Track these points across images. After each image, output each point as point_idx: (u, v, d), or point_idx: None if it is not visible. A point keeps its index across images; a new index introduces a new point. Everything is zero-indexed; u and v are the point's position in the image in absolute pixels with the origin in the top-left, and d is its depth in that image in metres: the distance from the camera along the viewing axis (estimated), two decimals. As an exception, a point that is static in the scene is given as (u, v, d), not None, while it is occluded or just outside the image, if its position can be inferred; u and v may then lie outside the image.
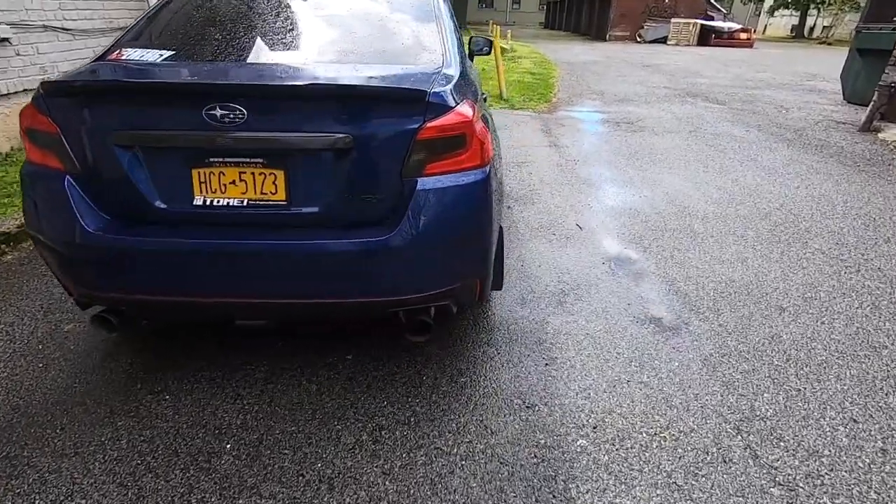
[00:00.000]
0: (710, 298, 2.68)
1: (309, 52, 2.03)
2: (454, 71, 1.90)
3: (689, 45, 21.77)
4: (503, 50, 13.04)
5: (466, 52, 4.00)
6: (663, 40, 22.80)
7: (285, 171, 1.61)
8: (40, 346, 2.22)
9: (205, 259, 1.65)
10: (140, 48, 1.95)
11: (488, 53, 4.10)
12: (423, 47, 2.03)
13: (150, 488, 1.58)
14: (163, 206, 1.64)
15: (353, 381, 2.05)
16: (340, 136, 1.57)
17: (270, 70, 1.88)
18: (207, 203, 1.63)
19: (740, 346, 2.30)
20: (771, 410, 1.93)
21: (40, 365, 2.11)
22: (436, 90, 1.62)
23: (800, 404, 1.97)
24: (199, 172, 1.61)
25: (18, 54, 4.54)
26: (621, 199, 4.11)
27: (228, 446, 1.74)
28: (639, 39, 23.67)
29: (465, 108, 1.68)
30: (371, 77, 1.69)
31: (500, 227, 2.30)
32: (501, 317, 2.48)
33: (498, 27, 13.71)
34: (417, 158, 1.63)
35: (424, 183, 1.64)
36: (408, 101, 1.60)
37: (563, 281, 2.82)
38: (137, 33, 2.09)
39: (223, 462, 1.68)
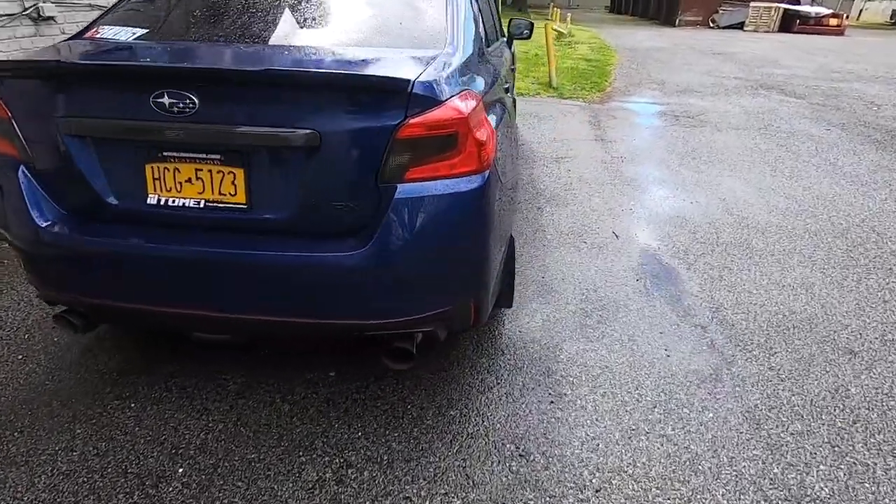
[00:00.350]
0: (763, 333, 2.27)
1: (289, 33, 1.79)
2: (457, 57, 1.62)
3: (768, 32, 19.92)
4: (559, 35, 12.43)
5: (506, 35, 3.69)
6: (739, 26, 20.97)
7: (245, 170, 1.40)
8: (26, 336, 2.16)
9: (157, 265, 1.47)
10: (119, 25, 1.79)
11: (528, 37, 3.77)
12: (424, 29, 1.75)
13: (88, 513, 1.45)
14: (115, 202, 1.47)
15: (330, 403, 1.84)
16: (305, 131, 1.33)
17: (231, 52, 1.65)
18: (162, 202, 1.45)
19: (794, 399, 1.90)
20: (827, 490, 1.55)
21: (20, 357, 2.04)
22: (423, 79, 1.34)
23: (866, 485, 1.57)
24: (152, 168, 1.43)
25: (64, 33, 4.60)
26: (669, 204, 3.66)
27: (181, 470, 1.58)
28: (712, 25, 21.94)
29: (459, 102, 1.40)
30: (346, 62, 1.44)
31: (511, 238, 2.01)
32: (509, 338, 2.19)
33: (558, 10, 13.07)
34: (397, 161, 1.37)
35: (405, 190, 1.39)
36: (386, 91, 1.34)
37: (587, 299, 2.49)
38: (125, 8, 1.94)
39: (170, 489, 1.52)
